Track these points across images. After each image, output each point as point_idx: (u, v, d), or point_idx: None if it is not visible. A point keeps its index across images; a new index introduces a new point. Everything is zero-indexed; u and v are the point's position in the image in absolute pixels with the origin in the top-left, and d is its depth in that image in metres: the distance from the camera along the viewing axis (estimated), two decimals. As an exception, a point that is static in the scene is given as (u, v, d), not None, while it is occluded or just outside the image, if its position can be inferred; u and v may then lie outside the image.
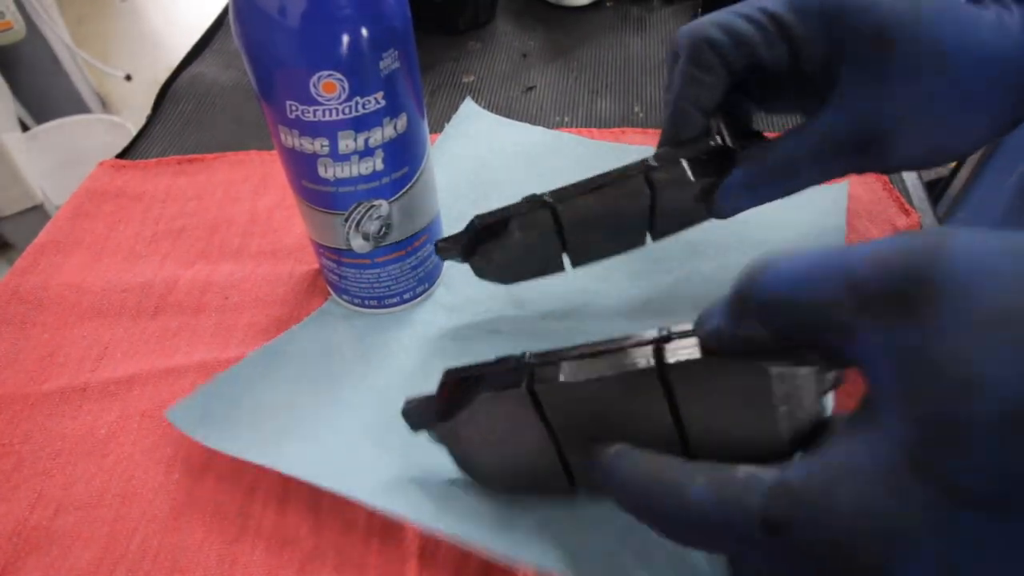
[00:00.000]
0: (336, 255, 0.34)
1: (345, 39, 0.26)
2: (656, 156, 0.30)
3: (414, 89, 0.29)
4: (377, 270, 0.34)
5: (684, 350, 0.21)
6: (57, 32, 1.40)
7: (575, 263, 0.33)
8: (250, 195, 0.45)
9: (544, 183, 0.43)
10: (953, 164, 0.94)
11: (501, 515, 0.26)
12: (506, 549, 0.25)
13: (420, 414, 0.26)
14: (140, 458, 0.32)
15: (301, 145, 0.29)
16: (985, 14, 0.26)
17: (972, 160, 0.87)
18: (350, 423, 0.31)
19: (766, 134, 0.31)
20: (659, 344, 0.21)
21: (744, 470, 0.17)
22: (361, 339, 0.36)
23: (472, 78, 0.55)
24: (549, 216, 0.31)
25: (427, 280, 0.36)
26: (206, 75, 0.56)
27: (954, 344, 0.14)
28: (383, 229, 0.32)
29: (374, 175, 0.30)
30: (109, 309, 0.38)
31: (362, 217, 0.31)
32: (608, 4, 0.62)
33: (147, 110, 0.54)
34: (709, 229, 0.41)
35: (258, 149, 0.48)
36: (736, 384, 0.20)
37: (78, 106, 1.51)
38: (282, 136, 0.29)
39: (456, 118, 0.49)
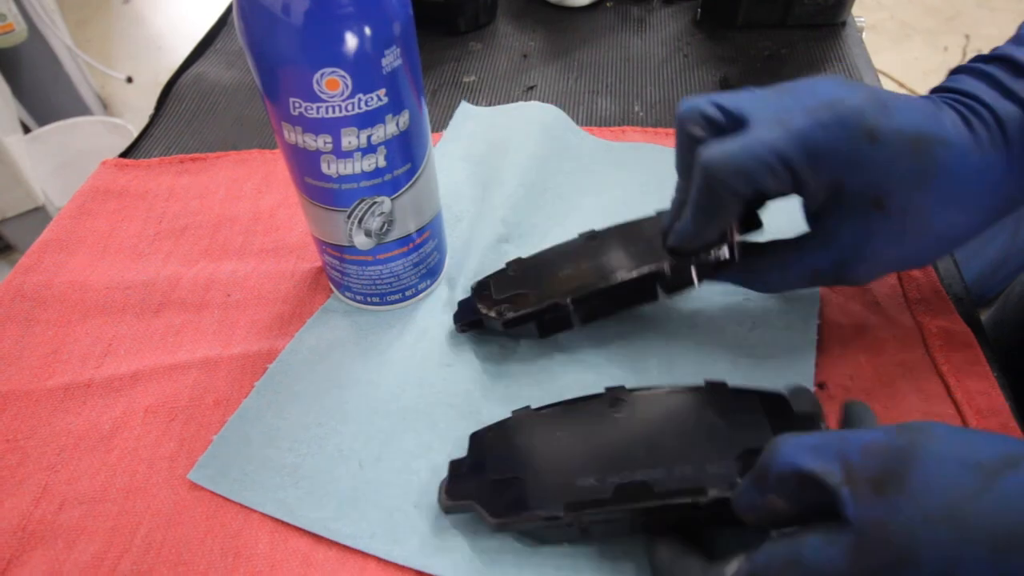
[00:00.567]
0: (338, 252, 0.34)
1: (348, 36, 0.26)
2: (670, 265, 0.32)
3: (416, 86, 0.30)
4: (379, 267, 0.34)
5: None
6: (59, 34, 1.40)
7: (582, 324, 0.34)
8: (252, 193, 0.45)
9: (543, 177, 0.44)
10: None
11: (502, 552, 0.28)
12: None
13: (454, 504, 0.28)
14: (144, 453, 0.32)
15: (304, 142, 0.29)
16: (972, 157, 0.27)
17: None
18: (355, 452, 0.31)
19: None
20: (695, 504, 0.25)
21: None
22: (363, 338, 0.36)
23: (473, 78, 0.55)
24: (567, 314, 0.33)
25: (429, 277, 0.37)
26: (209, 74, 0.57)
27: (907, 525, 0.19)
28: (385, 226, 0.32)
29: (377, 172, 0.30)
30: (113, 306, 0.38)
31: (364, 214, 0.32)
32: (608, 5, 0.62)
33: (148, 112, 0.54)
34: None
35: (260, 148, 0.49)
36: None
37: (79, 108, 1.51)
38: (285, 133, 0.29)
39: (454, 121, 0.49)
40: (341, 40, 0.26)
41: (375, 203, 0.31)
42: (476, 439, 0.29)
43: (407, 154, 0.31)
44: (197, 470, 0.31)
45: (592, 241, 0.35)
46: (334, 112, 0.28)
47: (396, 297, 0.36)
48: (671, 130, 0.48)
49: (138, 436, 0.32)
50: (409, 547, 0.28)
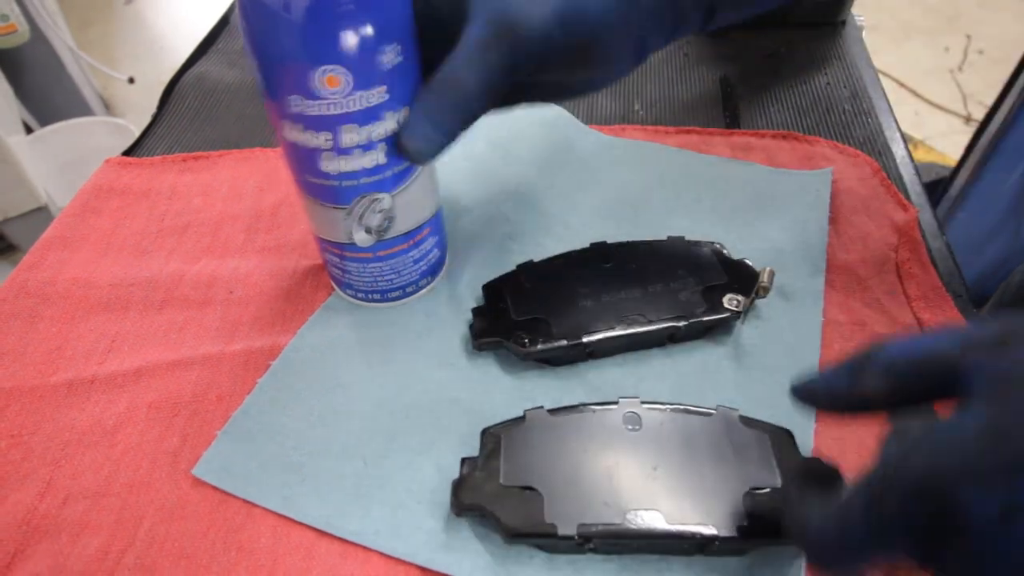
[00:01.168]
0: (339, 249, 0.34)
1: (347, 33, 0.26)
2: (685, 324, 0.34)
3: (416, 83, 0.30)
4: (380, 264, 0.35)
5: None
6: (61, 35, 1.41)
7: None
8: (254, 191, 0.45)
9: (545, 175, 0.44)
10: (953, 164, 0.94)
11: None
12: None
13: (467, 509, 0.28)
14: (147, 448, 0.32)
15: (304, 139, 0.29)
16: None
17: (972, 161, 0.87)
18: (358, 449, 0.31)
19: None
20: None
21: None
22: (366, 336, 0.36)
23: (474, 77, 0.55)
24: (584, 355, 0.34)
25: (430, 273, 0.37)
26: (211, 73, 0.57)
27: None
28: (386, 222, 0.33)
29: (376, 169, 0.30)
30: (116, 303, 0.39)
31: (365, 211, 0.32)
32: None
33: (150, 112, 0.54)
34: (690, 215, 0.42)
35: (262, 146, 0.49)
36: None
37: (81, 109, 1.52)
38: (285, 131, 0.30)
39: None
40: (341, 37, 0.26)
41: (375, 200, 0.32)
42: (488, 436, 0.30)
43: None
44: (201, 465, 0.31)
45: (606, 262, 0.36)
46: (334, 109, 0.28)
47: (397, 294, 0.36)
48: (671, 128, 0.48)
49: (141, 431, 0.33)
50: (413, 543, 0.28)
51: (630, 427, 0.29)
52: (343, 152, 0.29)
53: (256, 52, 0.27)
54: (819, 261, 0.38)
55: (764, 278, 0.34)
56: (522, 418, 0.30)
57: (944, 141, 1.53)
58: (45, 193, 1.22)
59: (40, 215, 1.21)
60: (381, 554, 0.28)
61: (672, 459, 0.28)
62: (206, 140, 0.51)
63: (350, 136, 0.29)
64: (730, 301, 0.34)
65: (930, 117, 1.62)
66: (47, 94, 1.45)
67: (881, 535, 0.20)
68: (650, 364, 0.34)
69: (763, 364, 0.34)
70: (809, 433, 0.31)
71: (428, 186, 0.34)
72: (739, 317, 0.34)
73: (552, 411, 0.30)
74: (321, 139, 0.29)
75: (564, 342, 0.33)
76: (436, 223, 0.36)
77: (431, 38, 0.29)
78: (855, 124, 0.48)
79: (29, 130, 1.37)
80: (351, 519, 0.29)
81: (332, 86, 0.27)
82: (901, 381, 0.22)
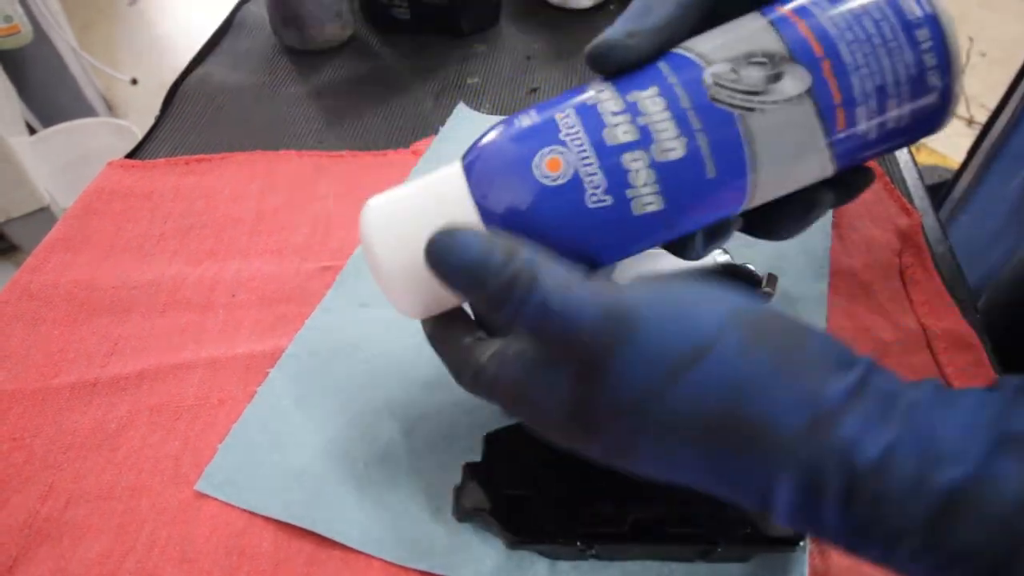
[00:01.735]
0: None
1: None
2: None
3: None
4: None
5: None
6: (64, 36, 1.41)
7: None
8: (257, 194, 0.45)
9: None
10: (956, 167, 0.94)
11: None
12: None
13: (468, 515, 0.28)
14: (149, 452, 0.32)
15: None
16: None
17: (975, 164, 0.87)
18: (359, 454, 0.31)
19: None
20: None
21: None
22: (365, 340, 0.36)
23: (476, 80, 0.55)
24: None
25: None
26: (214, 76, 0.57)
27: (604, 411, 0.20)
28: None
29: None
30: (118, 306, 0.39)
31: None
32: (611, 7, 0.63)
33: (153, 114, 0.54)
34: None
35: (265, 149, 0.49)
36: None
37: (84, 110, 1.52)
38: None
39: (450, 121, 0.49)
40: None
41: None
42: (491, 441, 0.30)
43: None
44: (203, 481, 0.31)
45: None
46: None
47: None
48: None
49: (143, 435, 0.33)
50: (415, 550, 0.28)
51: None
52: None
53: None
54: (822, 266, 0.38)
55: (767, 283, 0.34)
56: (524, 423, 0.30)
57: (946, 143, 1.53)
58: (47, 194, 1.22)
59: (42, 216, 1.22)
60: (383, 560, 0.28)
61: None
62: (209, 143, 0.51)
63: None
64: None
65: (932, 120, 1.61)
66: (50, 95, 1.45)
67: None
68: None
69: None
70: None
71: None
72: None
73: None
74: None
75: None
76: None
77: None
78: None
79: (32, 131, 1.37)
80: (353, 525, 0.29)
81: None
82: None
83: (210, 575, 0.28)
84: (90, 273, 0.40)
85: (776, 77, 0.21)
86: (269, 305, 0.38)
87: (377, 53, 0.59)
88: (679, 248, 0.25)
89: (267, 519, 0.29)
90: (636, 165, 0.22)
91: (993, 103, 0.86)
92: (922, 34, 0.21)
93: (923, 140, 0.25)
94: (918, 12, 0.21)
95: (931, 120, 0.22)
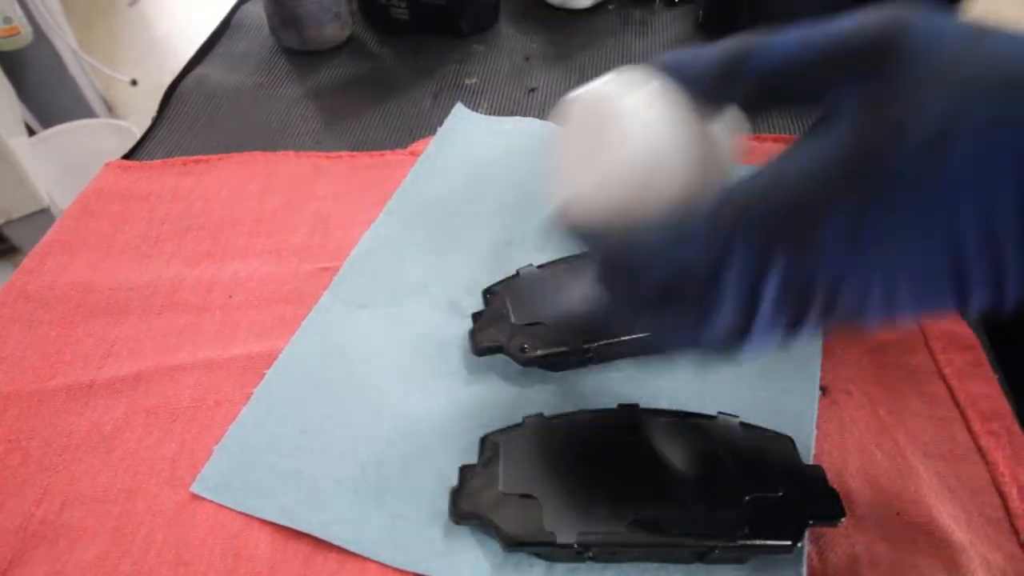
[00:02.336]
0: None
1: None
2: None
3: None
4: None
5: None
6: (64, 37, 1.41)
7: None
8: (255, 195, 0.45)
9: (538, 180, 0.44)
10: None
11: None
12: None
13: (465, 518, 0.28)
14: (145, 454, 0.32)
15: None
16: None
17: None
18: (356, 456, 0.31)
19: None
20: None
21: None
22: (362, 341, 0.36)
23: (475, 80, 0.55)
24: (585, 360, 0.34)
25: None
26: (211, 77, 0.57)
27: (904, 90, 0.18)
28: None
29: None
30: (115, 307, 0.39)
31: None
32: (610, 7, 0.62)
33: (152, 115, 0.54)
34: None
35: (263, 150, 0.49)
36: None
37: (84, 111, 1.52)
38: None
39: (448, 121, 0.49)
40: None
41: None
42: (487, 443, 0.29)
43: None
44: (199, 483, 0.31)
45: None
46: None
47: None
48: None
49: (139, 437, 0.33)
50: (411, 552, 0.28)
51: (630, 434, 0.29)
52: None
53: None
54: None
55: None
56: (521, 425, 0.30)
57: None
58: (47, 195, 1.22)
59: (42, 217, 1.22)
60: (379, 563, 0.28)
61: (672, 466, 0.28)
62: (207, 143, 0.51)
63: None
64: None
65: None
66: (49, 96, 1.45)
67: (720, 251, 0.19)
68: (650, 370, 0.34)
69: (764, 370, 0.33)
70: (810, 440, 0.30)
71: None
72: None
73: (551, 418, 0.30)
74: None
75: (564, 347, 0.33)
76: None
77: None
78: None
79: (31, 132, 1.37)
80: (349, 527, 0.29)
81: None
82: (771, 92, 0.21)
83: (206, 577, 0.28)
84: (87, 275, 0.40)
85: None
86: (267, 306, 0.38)
87: (375, 54, 0.59)
88: None
89: (263, 521, 0.29)
90: None
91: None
92: None
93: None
94: None
95: None
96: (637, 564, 0.27)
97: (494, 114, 0.51)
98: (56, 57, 1.43)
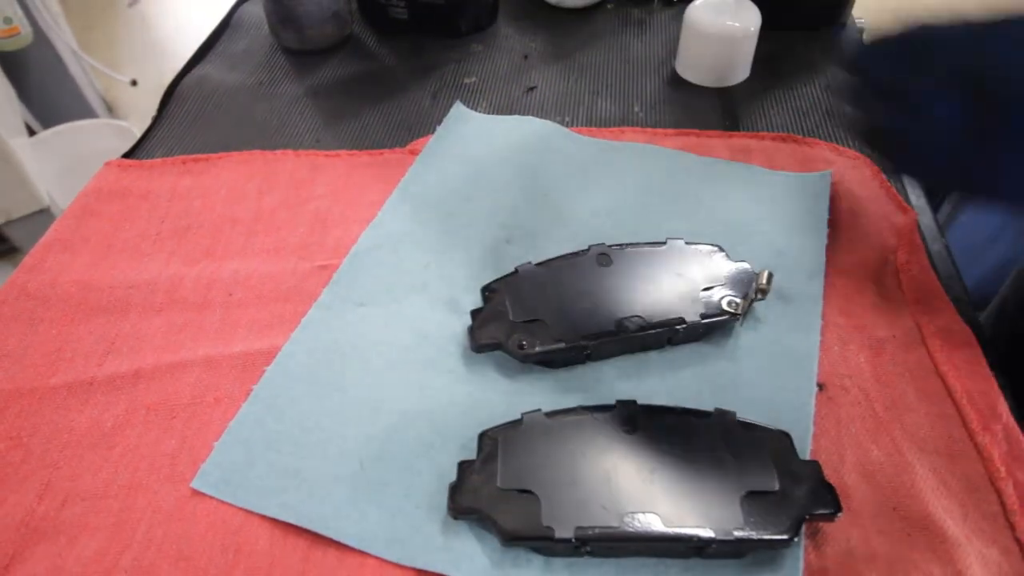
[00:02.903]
0: None
1: None
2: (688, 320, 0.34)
3: None
4: None
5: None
6: (64, 38, 1.41)
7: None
8: (254, 194, 0.45)
9: (536, 179, 0.44)
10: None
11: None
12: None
13: (464, 513, 0.28)
14: (145, 450, 0.32)
15: None
16: None
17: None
18: (355, 452, 0.31)
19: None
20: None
21: None
22: (360, 339, 0.36)
23: (474, 80, 0.55)
24: (584, 357, 0.34)
25: None
26: (211, 76, 0.57)
27: None
28: None
29: None
30: (115, 305, 0.39)
31: None
32: (609, 6, 0.63)
33: (152, 115, 0.54)
34: (689, 217, 0.42)
35: (262, 149, 0.49)
36: None
37: (84, 111, 1.52)
38: None
39: (447, 120, 0.49)
40: None
41: None
42: (486, 439, 0.30)
43: None
44: (199, 479, 0.31)
45: (605, 265, 0.36)
46: None
47: None
48: (670, 131, 0.48)
49: (140, 434, 0.33)
50: (410, 547, 0.28)
51: (627, 430, 0.29)
52: None
53: None
54: (818, 264, 0.38)
55: (763, 280, 0.34)
56: (519, 421, 0.30)
57: (946, 143, 1.52)
58: (47, 195, 1.22)
59: (42, 217, 1.22)
60: (378, 558, 0.28)
61: (669, 462, 0.28)
62: (206, 143, 0.51)
63: None
64: (729, 303, 0.34)
65: (932, 119, 1.61)
66: (50, 96, 1.45)
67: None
68: (648, 367, 0.34)
69: (761, 367, 0.34)
70: (807, 436, 0.31)
71: None
72: (738, 320, 0.34)
73: (549, 414, 0.30)
74: None
75: (562, 344, 0.33)
76: None
77: None
78: (855, 127, 0.48)
79: (32, 132, 1.37)
80: (348, 523, 0.29)
81: None
82: (944, 67, 0.27)
83: (206, 573, 0.28)
84: (87, 273, 0.41)
85: None
86: (266, 304, 0.38)
87: (374, 53, 0.59)
88: None
89: (263, 517, 0.29)
90: None
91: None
92: None
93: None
94: None
95: None
96: (635, 559, 0.28)
97: (493, 113, 0.51)
98: (56, 57, 1.43)
